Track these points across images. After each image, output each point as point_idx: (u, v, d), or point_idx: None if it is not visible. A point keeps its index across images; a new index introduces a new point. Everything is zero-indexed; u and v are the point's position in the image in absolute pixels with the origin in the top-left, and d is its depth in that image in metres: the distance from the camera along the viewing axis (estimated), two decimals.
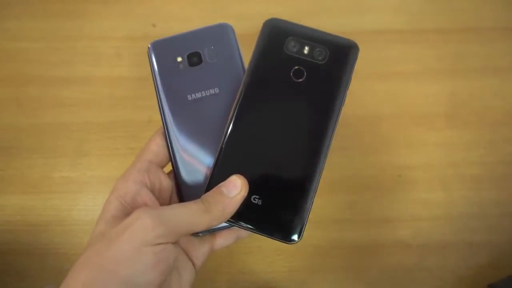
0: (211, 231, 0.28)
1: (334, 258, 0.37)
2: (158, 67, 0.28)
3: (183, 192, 0.28)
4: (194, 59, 0.28)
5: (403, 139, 0.42)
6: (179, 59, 0.28)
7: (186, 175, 0.28)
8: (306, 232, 0.27)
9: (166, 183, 0.27)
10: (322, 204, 0.39)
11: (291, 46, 0.28)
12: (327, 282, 0.37)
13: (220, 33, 0.29)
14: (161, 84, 0.28)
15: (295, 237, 0.26)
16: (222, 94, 0.28)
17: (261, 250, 0.37)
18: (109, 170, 0.41)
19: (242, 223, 0.26)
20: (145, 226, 0.21)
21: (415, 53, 0.46)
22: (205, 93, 0.28)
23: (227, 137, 0.27)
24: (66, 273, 0.22)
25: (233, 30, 0.30)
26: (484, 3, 0.48)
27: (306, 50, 0.28)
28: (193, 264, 0.27)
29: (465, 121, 0.42)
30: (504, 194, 0.40)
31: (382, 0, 0.49)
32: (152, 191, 0.26)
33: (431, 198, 0.40)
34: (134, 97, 0.44)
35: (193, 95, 0.28)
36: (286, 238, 0.26)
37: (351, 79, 0.28)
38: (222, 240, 0.29)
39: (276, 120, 0.27)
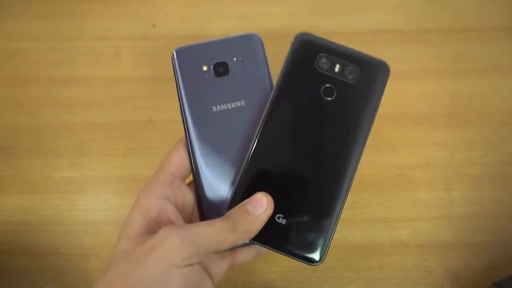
0: (233, 249, 0.27)
1: (334, 258, 0.37)
2: (182, 75, 0.27)
3: (205, 206, 0.27)
4: (221, 69, 0.28)
5: (403, 139, 0.42)
6: (205, 68, 0.27)
7: (209, 189, 0.27)
8: None
9: (189, 197, 0.27)
10: None
11: (322, 63, 0.28)
12: (327, 282, 0.37)
13: (249, 44, 0.28)
14: (185, 93, 0.27)
15: (317, 257, 0.25)
16: (248, 107, 0.27)
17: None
18: (109, 170, 0.41)
19: (265, 242, 0.26)
20: (173, 247, 0.21)
21: (415, 53, 0.46)
22: (231, 105, 0.27)
23: (252, 152, 0.26)
24: (66, 273, 0.22)
25: (261, 42, 0.29)
26: (484, 2, 0.48)
27: (337, 68, 0.28)
28: (212, 281, 0.27)
29: (466, 121, 0.42)
30: (505, 194, 0.40)
31: (382, 0, 0.48)
32: (176, 205, 0.25)
33: (431, 198, 0.40)
34: (134, 97, 0.44)
35: (218, 106, 0.27)
36: (309, 259, 0.25)
37: (381, 99, 0.27)
38: (242, 257, 0.29)
39: (303, 138, 0.27)
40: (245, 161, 0.26)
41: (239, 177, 0.26)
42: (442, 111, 0.43)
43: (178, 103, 0.27)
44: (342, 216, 0.39)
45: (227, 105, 0.27)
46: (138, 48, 0.45)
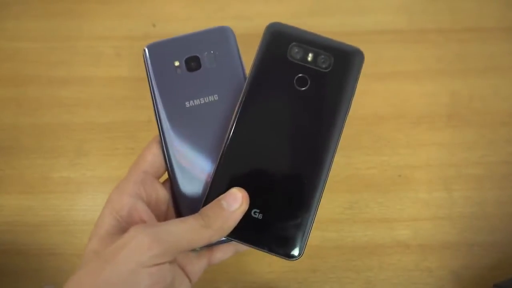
0: (209, 246, 0.27)
1: (334, 258, 0.37)
2: (154, 71, 0.27)
3: (180, 203, 0.27)
4: (192, 64, 0.27)
5: (403, 139, 0.42)
6: (177, 63, 0.27)
7: (184, 186, 0.27)
8: None
9: (163, 194, 0.26)
10: (322, 204, 0.39)
11: (295, 52, 0.27)
12: (327, 282, 0.36)
13: (220, 37, 0.28)
14: (157, 90, 0.27)
15: (296, 252, 0.25)
16: (221, 102, 0.27)
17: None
18: (108, 170, 0.41)
19: (242, 239, 0.25)
20: (141, 246, 0.20)
21: (416, 53, 0.46)
22: (204, 100, 0.27)
23: (226, 147, 0.26)
24: (64, 273, 0.22)
25: (233, 34, 0.29)
26: (484, 3, 0.47)
27: (310, 57, 0.27)
28: (189, 280, 0.26)
29: (466, 121, 0.42)
30: (506, 194, 0.40)
31: (382, 0, 0.48)
32: (148, 203, 0.25)
33: (432, 198, 0.40)
34: (134, 97, 0.44)
35: (191, 102, 0.27)
36: (287, 255, 0.25)
37: (356, 87, 0.27)
38: (220, 255, 0.28)
39: (278, 130, 0.26)
40: (219, 156, 0.26)
41: (213, 173, 0.26)
42: (442, 111, 0.43)
43: (152, 100, 0.27)
44: (342, 216, 0.39)
45: (200, 100, 0.27)
46: (138, 48, 0.45)
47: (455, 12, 0.47)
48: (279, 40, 0.27)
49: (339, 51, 0.27)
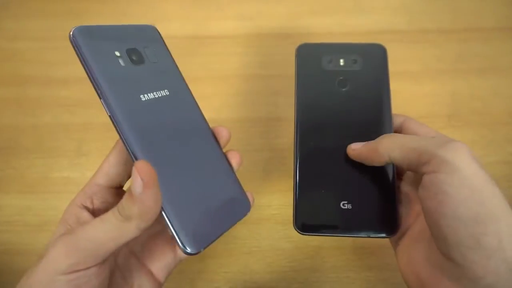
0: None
1: (334, 258, 0.37)
2: (93, 57, 0.23)
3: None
4: (134, 56, 0.25)
5: None
6: (117, 53, 0.24)
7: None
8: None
9: (114, 203, 0.25)
10: None
11: (327, 62, 0.31)
12: (327, 282, 0.36)
13: (149, 33, 0.27)
14: (104, 79, 0.24)
15: (394, 228, 0.27)
16: (173, 97, 0.26)
17: (261, 250, 0.37)
18: None
19: (338, 232, 0.27)
20: (58, 256, 0.21)
21: (416, 53, 0.46)
22: (157, 94, 0.25)
23: (299, 156, 0.29)
24: None
25: (159, 32, 0.28)
26: (484, 3, 0.48)
27: (341, 62, 0.31)
28: (154, 278, 0.27)
29: (466, 121, 0.42)
30: (506, 194, 0.40)
31: (382, 0, 0.48)
32: (97, 214, 0.25)
33: None
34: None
35: (145, 95, 0.25)
36: (388, 232, 0.27)
37: (388, 74, 0.31)
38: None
39: (339, 129, 0.29)
40: (294, 167, 0.28)
41: (294, 185, 0.28)
42: (442, 111, 0.43)
43: (94, 89, 0.24)
44: None
45: (154, 94, 0.25)
46: None
47: (455, 12, 0.47)
48: (311, 57, 0.31)
49: (364, 50, 0.31)
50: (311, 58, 0.31)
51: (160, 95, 0.26)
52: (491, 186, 0.21)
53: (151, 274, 0.27)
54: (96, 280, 0.22)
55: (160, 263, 0.27)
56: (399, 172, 0.28)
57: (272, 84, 0.44)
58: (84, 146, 0.42)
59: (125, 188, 0.28)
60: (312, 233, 0.27)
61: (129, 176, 0.27)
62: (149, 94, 0.25)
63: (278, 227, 0.38)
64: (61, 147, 0.42)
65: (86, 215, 0.25)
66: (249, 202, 0.28)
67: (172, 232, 0.23)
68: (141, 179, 0.20)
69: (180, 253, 0.28)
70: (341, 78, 0.30)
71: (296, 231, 0.27)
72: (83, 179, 0.40)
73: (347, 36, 0.47)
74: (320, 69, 0.31)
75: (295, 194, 0.28)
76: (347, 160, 0.28)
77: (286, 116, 0.43)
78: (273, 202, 0.39)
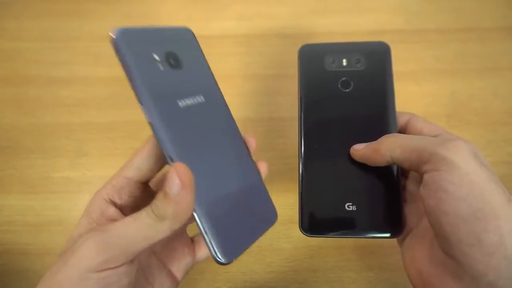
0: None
1: (334, 258, 0.37)
2: (135, 61, 0.23)
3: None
4: (172, 61, 0.25)
5: None
6: (156, 57, 0.24)
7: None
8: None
9: (141, 199, 0.26)
10: None
11: (330, 62, 0.31)
12: (327, 282, 0.36)
13: (187, 37, 0.27)
14: (145, 86, 0.23)
15: (399, 228, 0.27)
16: (208, 102, 0.26)
17: (261, 250, 0.37)
18: (108, 170, 0.40)
19: (342, 234, 0.27)
20: (89, 253, 0.21)
21: (415, 53, 0.46)
22: (194, 100, 0.25)
23: (304, 157, 0.29)
24: None
25: (195, 36, 0.27)
26: (484, 3, 0.48)
27: (344, 62, 0.30)
28: (174, 277, 0.27)
29: (465, 121, 0.42)
30: None
31: (381, 0, 0.49)
32: (125, 208, 0.25)
33: None
34: (134, 97, 0.43)
35: (182, 101, 0.24)
36: (393, 232, 0.27)
37: (393, 72, 0.30)
38: (206, 252, 0.28)
39: (343, 129, 0.29)
40: (300, 168, 0.28)
41: (300, 186, 0.28)
42: (441, 111, 0.43)
43: (135, 93, 0.24)
44: None
45: (191, 100, 0.25)
46: None
47: (454, 12, 0.47)
48: (313, 57, 0.31)
49: (367, 48, 0.31)
50: (314, 59, 0.31)
51: (196, 101, 0.25)
52: (491, 183, 0.21)
53: (171, 273, 0.27)
54: (125, 279, 0.22)
55: (179, 263, 0.27)
56: (404, 171, 0.29)
57: (274, 84, 0.44)
58: (85, 146, 0.42)
59: (150, 184, 0.28)
60: (318, 234, 0.27)
61: (151, 176, 0.27)
62: (186, 100, 0.25)
63: (278, 227, 0.38)
64: (62, 147, 0.42)
65: (112, 210, 0.25)
66: (275, 211, 0.28)
67: (206, 241, 0.23)
68: (179, 180, 0.20)
69: (200, 255, 0.28)
70: (344, 78, 0.30)
71: (301, 233, 0.28)
72: (83, 179, 0.41)
73: (347, 36, 0.47)
74: (323, 70, 0.31)
75: (300, 196, 0.28)
76: (351, 161, 0.28)
77: (288, 116, 0.43)
78: (274, 202, 0.39)
